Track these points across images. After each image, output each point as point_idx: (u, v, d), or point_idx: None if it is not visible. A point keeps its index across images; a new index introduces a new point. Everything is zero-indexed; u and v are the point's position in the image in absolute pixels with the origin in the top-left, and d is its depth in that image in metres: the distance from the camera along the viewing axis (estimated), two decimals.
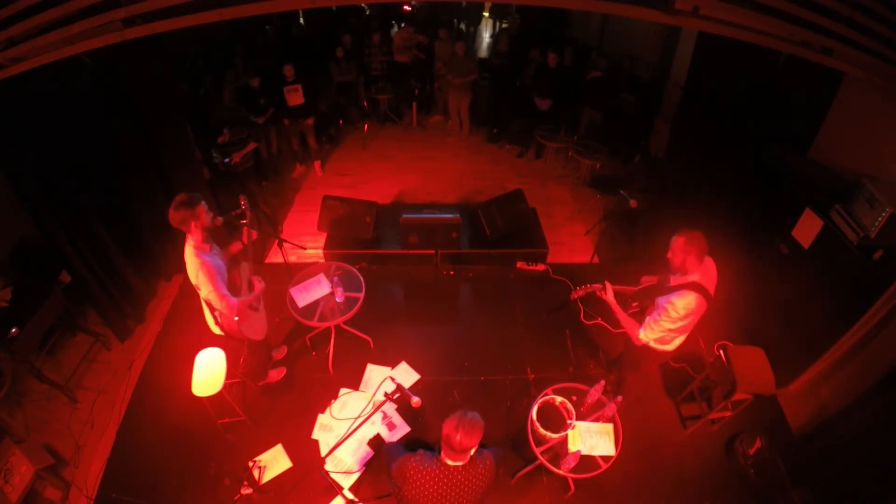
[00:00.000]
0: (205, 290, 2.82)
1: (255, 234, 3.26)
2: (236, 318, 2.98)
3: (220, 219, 3.00)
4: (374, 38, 7.23)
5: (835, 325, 3.32)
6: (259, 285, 3.20)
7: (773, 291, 3.89)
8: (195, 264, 2.78)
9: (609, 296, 2.99)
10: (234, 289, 3.08)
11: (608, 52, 7.02)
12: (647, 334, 2.88)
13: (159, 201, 4.52)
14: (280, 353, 4.03)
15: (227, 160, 5.12)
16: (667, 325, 2.78)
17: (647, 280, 3.19)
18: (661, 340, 2.94)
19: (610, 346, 4.12)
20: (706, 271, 2.79)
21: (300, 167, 6.70)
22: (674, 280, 2.83)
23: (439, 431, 2.17)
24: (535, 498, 3.26)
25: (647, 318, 2.88)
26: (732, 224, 4.23)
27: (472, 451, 2.17)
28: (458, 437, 2.09)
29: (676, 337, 2.95)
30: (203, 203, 2.80)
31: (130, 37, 2.57)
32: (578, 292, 3.12)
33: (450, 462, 2.18)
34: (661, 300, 2.81)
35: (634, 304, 3.12)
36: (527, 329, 4.36)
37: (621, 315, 3.00)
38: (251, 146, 5.40)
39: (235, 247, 3.32)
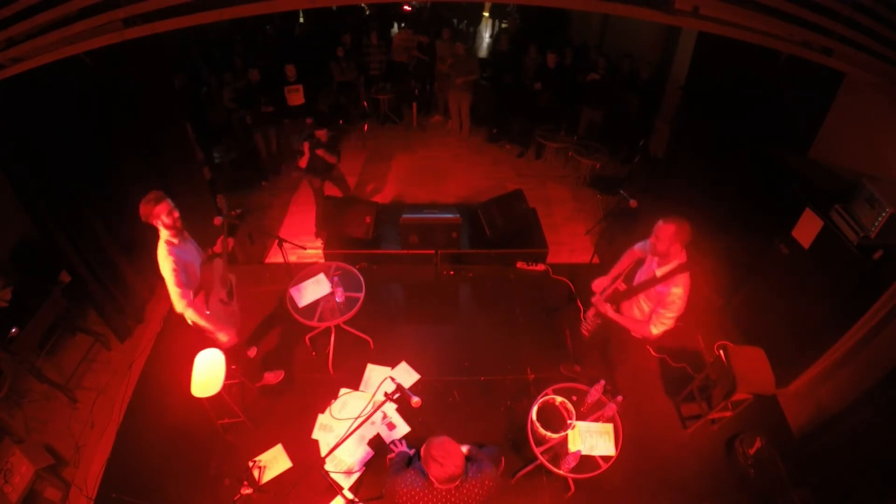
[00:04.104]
0: (167, 280, 2.93)
1: (231, 242, 3.37)
2: (190, 319, 3.05)
3: (219, 218, 3.04)
4: (371, 38, 7.24)
5: (835, 325, 3.32)
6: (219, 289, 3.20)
7: (773, 291, 3.89)
8: (161, 255, 2.92)
9: (609, 312, 3.09)
10: (203, 283, 3.15)
11: (608, 52, 7.02)
12: (658, 329, 2.93)
13: None
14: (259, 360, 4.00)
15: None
16: (673, 314, 2.85)
17: (600, 283, 3.26)
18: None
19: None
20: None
21: None
22: (658, 267, 2.89)
23: (437, 434, 2.11)
24: (535, 498, 3.26)
25: (653, 315, 2.92)
26: (732, 224, 4.23)
27: (463, 470, 2.04)
28: (436, 471, 1.99)
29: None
30: (166, 202, 2.84)
31: (130, 37, 2.57)
32: (586, 326, 3.34)
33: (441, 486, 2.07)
34: (659, 289, 2.87)
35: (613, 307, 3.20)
36: (527, 329, 4.36)
37: (625, 321, 3.08)
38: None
39: (217, 246, 3.35)
